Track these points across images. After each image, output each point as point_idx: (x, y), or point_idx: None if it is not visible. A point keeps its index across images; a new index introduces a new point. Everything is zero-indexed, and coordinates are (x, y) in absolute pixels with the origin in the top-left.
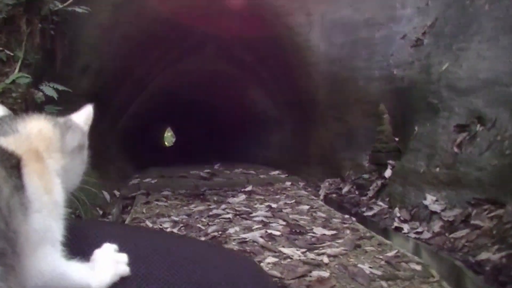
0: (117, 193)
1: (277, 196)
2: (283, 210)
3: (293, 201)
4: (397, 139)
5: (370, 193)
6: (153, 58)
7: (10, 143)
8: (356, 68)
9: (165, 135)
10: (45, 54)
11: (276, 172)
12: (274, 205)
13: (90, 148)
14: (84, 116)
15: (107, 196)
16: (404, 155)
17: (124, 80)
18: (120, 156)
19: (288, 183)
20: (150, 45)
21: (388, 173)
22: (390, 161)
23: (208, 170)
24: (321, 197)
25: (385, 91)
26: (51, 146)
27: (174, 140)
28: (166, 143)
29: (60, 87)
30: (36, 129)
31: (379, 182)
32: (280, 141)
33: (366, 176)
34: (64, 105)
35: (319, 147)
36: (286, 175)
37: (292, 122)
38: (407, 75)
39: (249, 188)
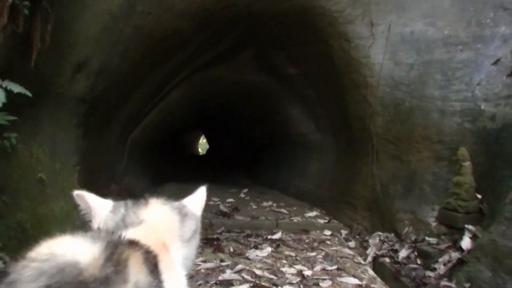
0: None
1: (313, 254)
2: (320, 284)
3: (334, 266)
4: (479, 196)
5: (441, 269)
6: (177, 60)
7: (141, 236)
8: (427, 97)
9: (200, 141)
10: (15, 41)
11: (313, 213)
12: (307, 272)
13: (88, 166)
14: (197, 200)
15: None
16: (495, 224)
17: (137, 85)
18: (131, 172)
19: (327, 233)
20: (174, 44)
21: (467, 243)
22: (470, 227)
23: (230, 200)
24: (369, 258)
25: (466, 130)
26: (174, 236)
27: (207, 148)
28: (200, 150)
29: (18, 89)
30: (159, 218)
31: (453, 255)
32: (319, 171)
33: (433, 240)
34: (46, 110)
35: (368, 188)
36: (326, 220)
37: (336, 151)
38: (500, 113)
39: (278, 235)
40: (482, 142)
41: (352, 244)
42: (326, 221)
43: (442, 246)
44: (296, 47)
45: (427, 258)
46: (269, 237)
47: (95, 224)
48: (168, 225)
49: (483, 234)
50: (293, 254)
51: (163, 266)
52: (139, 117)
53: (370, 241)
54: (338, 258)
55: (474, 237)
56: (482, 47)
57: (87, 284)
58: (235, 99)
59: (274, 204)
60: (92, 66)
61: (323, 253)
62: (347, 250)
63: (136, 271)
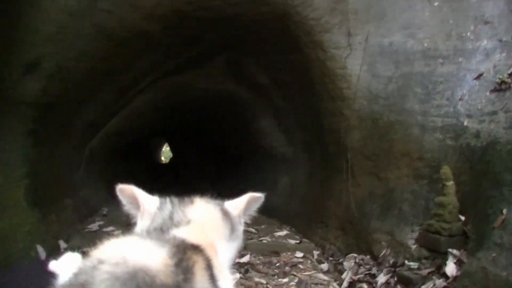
0: (63, 244)
1: (285, 280)
2: None
3: None
4: (463, 218)
5: None
6: (143, 64)
7: (191, 236)
8: (407, 111)
9: (163, 149)
10: None
11: (283, 232)
12: None
13: (38, 179)
14: (242, 203)
15: (42, 253)
16: (484, 250)
17: (97, 89)
18: (89, 184)
19: (299, 255)
20: (139, 47)
21: (451, 269)
22: (454, 251)
23: None
24: (345, 284)
25: (449, 147)
26: (220, 234)
27: (171, 156)
28: (163, 158)
29: None
30: (207, 217)
31: (438, 283)
32: (289, 186)
33: (414, 264)
34: None
35: (342, 206)
36: (297, 240)
37: (308, 165)
38: (485, 130)
39: (246, 258)
40: (465, 160)
41: (325, 266)
42: (298, 241)
43: (424, 272)
44: (270, 55)
45: (408, 285)
46: (236, 260)
47: (142, 220)
48: (213, 223)
49: (470, 259)
50: (263, 281)
51: (216, 271)
52: (99, 124)
53: (345, 263)
54: (313, 285)
55: (459, 262)
56: (463, 61)
57: None
58: (204, 107)
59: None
60: (45, 67)
61: (296, 279)
62: (321, 276)
63: (201, 278)
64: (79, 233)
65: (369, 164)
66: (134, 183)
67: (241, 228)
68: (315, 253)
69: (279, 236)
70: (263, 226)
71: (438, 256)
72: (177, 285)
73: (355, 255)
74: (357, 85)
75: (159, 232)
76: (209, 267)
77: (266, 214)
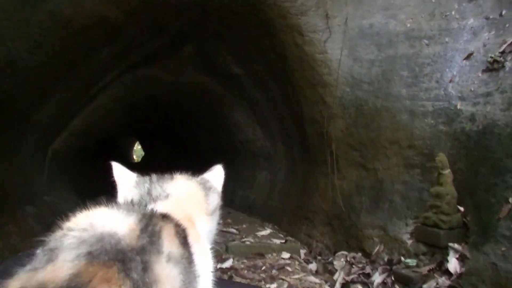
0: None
1: (273, 286)
2: None
3: None
4: (462, 209)
5: None
6: (105, 56)
7: (168, 209)
8: (394, 96)
9: (135, 148)
10: None
11: (266, 232)
12: None
13: None
14: (217, 176)
15: None
16: (491, 244)
17: (55, 84)
18: (55, 188)
19: (286, 256)
20: (100, 36)
21: (454, 265)
22: (455, 246)
23: None
24: (338, 285)
25: (441, 133)
26: (200, 209)
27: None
28: (135, 157)
29: None
30: (186, 192)
31: (441, 281)
32: (268, 181)
33: (411, 262)
34: None
35: (328, 200)
36: (281, 240)
37: (288, 159)
38: (480, 113)
39: (229, 262)
40: (460, 146)
41: (314, 267)
42: (283, 241)
43: (424, 269)
44: (242, 43)
45: (408, 284)
46: (218, 265)
47: (120, 195)
48: (193, 199)
49: (475, 254)
50: None
51: (191, 239)
52: (61, 123)
53: (336, 263)
54: None
55: (461, 257)
56: (450, 40)
57: (125, 253)
58: (173, 102)
59: (220, 221)
60: None
61: (286, 285)
62: (311, 278)
63: (169, 242)
64: (25, 255)
65: (355, 155)
66: (103, 185)
67: (220, 200)
68: (302, 252)
69: (262, 236)
70: (244, 226)
71: (437, 251)
72: (142, 246)
73: (345, 252)
74: (338, 70)
75: (141, 206)
76: (180, 233)
77: (246, 211)
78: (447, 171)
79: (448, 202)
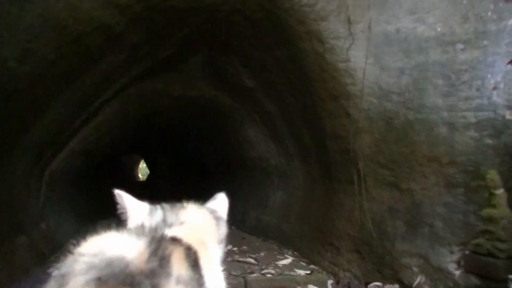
0: None
1: None
2: None
3: None
4: None
5: None
6: (106, 66)
7: (182, 234)
8: (428, 107)
9: (140, 166)
10: None
11: (288, 260)
12: None
13: None
14: (223, 204)
15: None
16: None
17: (50, 98)
18: (52, 213)
19: None
20: (100, 44)
21: None
22: None
23: None
24: None
25: (488, 147)
26: (212, 237)
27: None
28: (140, 175)
29: None
30: (200, 220)
31: None
32: (284, 202)
33: None
34: None
35: (355, 224)
36: (307, 271)
37: (306, 177)
38: None
39: None
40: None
41: None
42: (307, 272)
43: None
44: (255, 52)
45: None
46: None
47: (131, 223)
48: (207, 226)
49: None
50: None
51: (203, 262)
52: (59, 142)
53: None
54: None
55: None
56: (489, 44)
57: (134, 277)
58: (180, 117)
59: (235, 249)
60: None
61: None
62: None
63: (179, 265)
64: (36, 280)
65: (386, 174)
66: (107, 208)
67: (227, 230)
68: (329, 283)
69: (284, 265)
70: (262, 254)
71: (493, 284)
72: (151, 270)
73: (379, 284)
74: (363, 80)
75: (151, 230)
76: (191, 256)
77: (260, 233)
78: (500, 191)
79: (504, 227)
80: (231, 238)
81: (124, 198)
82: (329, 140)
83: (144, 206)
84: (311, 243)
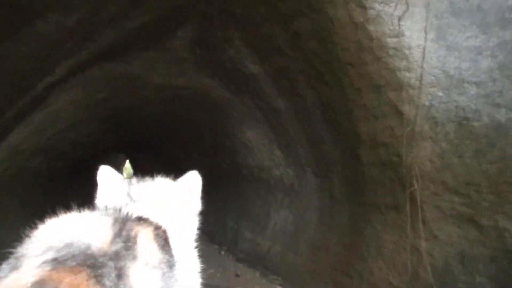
0: None
1: None
2: None
3: None
4: None
5: None
6: (48, 31)
7: (147, 211)
8: None
9: (125, 166)
10: None
11: None
12: None
13: None
14: (195, 182)
15: None
16: None
17: None
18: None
19: None
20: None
21: None
22: None
23: None
24: None
25: None
26: (179, 211)
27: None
28: (125, 175)
29: None
30: (165, 195)
31: None
32: (293, 226)
33: None
34: None
35: (401, 269)
36: None
37: (325, 197)
38: None
39: None
40: None
41: None
42: None
43: None
44: (265, 25)
45: None
46: None
47: (99, 198)
48: (173, 201)
49: None
50: None
51: (173, 241)
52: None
53: None
54: None
55: None
56: None
57: (96, 258)
58: (163, 112)
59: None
60: None
61: None
62: None
63: (146, 247)
64: None
65: (457, 202)
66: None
67: (200, 205)
68: None
69: None
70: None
71: None
72: (116, 252)
73: None
74: (422, 63)
75: (115, 210)
76: (160, 236)
77: (258, 265)
78: None
79: None
80: (221, 271)
81: (102, 172)
82: (365, 148)
83: (118, 178)
84: (329, 286)
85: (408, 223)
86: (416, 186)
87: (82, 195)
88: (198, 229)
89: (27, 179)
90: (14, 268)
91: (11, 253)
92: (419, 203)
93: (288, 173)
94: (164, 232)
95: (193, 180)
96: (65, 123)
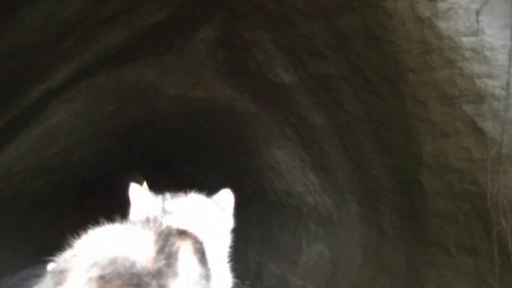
0: None
1: None
2: None
3: None
4: None
5: None
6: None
7: (183, 224)
8: None
9: (143, 186)
10: None
11: None
12: None
13: None
14: (228, 200)
15: None
16: None
17: None
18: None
19: None
20: None
21: None
22: None
23: None
24: None
25: None
26: (215, 227)
27: None
28: None
29: None
30: (200, 208)
31: None
32: (331, 263)
33: None
34: None
35: None
36: None
37: (373, 229)
38: None
39: None
40: None
41: None
42: None
43: None
44: (302, 24)
45: None
46: None
47: (133, 213)
48: (209, 216)
49: None
50: None
51: (209, 254)
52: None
53: None
54: None
55: None
56: None
57: (140, 277)
58: (179, 129)
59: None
60: None
61: None
62: None
63: (187, 263)
64: (22, 277)
65: None
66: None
67: (232, 223)
68: None
69: None
70: None
71: None
72: (159, 270)
73: None
74: (509, 68)
75: (156, 223)
76: (198, 250)
77: None
78: None
79: None
80: None
81: (133, 189)
82: (429, 173)
83: (149, 195)
84: None
85: (493, 271)
86: (504, 223)
87: (96, 217)
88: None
89: (24, 202)
90: (59, 283)
91: (53, 261)
92: (510, 247)
93: (324, 201)
94: (202, 245)
95: (226, 197)
96: (68, 140)
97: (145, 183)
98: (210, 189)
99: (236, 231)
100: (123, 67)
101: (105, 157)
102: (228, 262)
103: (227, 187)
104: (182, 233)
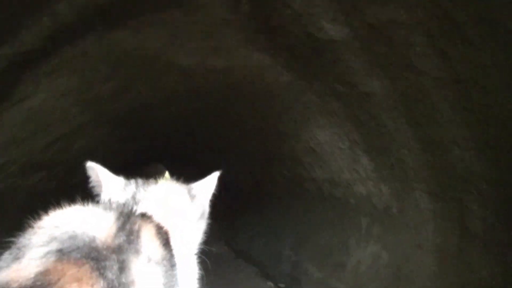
0: None
1: None
2: None
3: None
4: None
5: None
6: None
7: (151, 211)
8: None
9: (165, 177)
10: None
11: None
12: None
13: None
14: (207, 186)
15: None
16: None
17: None
18: None
19: None
20: None
21: None
22: None
23: None
24: None
25: None
26: (183, 214)
27: None
28: None
29: None
30: (169, 197)
31: None
32: (391, 269)
33: None
34: None
35: None
36: None
37: (448, 230)
38: None
39: None
40: None
41: None
42: None
43: None
44: None
45: None
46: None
47: (104, 197)
48: (178, 204)
49: None
50: None
51: (174, 242)
52: None
53: None
54: None
55: None
56: None
57: (99, 251)
58: (197, 109)
59: None
60: None
61: None
62: None
63: (149, 243)
64: None
65: None
66: None
67: (207, 209)
68: None
69: None
70: None
71: None
72: (119, 245)
73: None
74: None
75: (120, 205)
76: (162, 234)
77: None
78: None
79: None
80: None
81: (98, 171)
82: None
83: (120, 180)
84: None
85: None
86: None
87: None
88: (238, 251)
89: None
90: (16, 258)
91: (12, 242)
92: None
93: (381, 191)
94: (166, 232)
95: (207, 183)
96: (61, 128)
97: (167, 173)
98: (234, 180)
99: (266, 226)
100: (118, 28)
101: (111, 147)
102: (196, 253)
103: (257, 177)
104: (144, 216)
